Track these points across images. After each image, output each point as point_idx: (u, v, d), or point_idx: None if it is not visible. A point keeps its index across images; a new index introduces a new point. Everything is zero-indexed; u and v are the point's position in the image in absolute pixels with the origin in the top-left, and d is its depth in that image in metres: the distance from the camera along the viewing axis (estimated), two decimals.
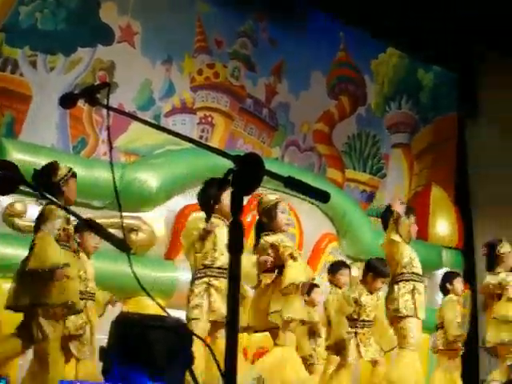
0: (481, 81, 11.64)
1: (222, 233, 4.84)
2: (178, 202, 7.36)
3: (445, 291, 7.26)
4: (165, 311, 2.34)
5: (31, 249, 4.96)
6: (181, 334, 3.15)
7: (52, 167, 5.13)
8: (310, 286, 7.16)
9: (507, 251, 6.73)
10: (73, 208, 4.63)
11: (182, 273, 6.83)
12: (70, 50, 7.50)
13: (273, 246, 5.25)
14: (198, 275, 4.94)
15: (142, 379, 2.98)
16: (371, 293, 6.23)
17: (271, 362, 5.22)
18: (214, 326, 4.92)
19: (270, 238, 5.30)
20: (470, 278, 9.38)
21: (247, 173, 1.66)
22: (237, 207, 1.65)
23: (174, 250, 7.18)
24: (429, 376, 7.33)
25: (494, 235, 11.37)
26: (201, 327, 4.83)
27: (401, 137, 10.91)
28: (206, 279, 4.84)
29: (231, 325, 1.61)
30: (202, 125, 8.59)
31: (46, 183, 4.89)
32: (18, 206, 6.37)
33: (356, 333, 6.08)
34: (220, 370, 1.78)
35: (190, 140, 1.98)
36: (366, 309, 6.17)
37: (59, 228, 5.03)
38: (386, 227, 6.00)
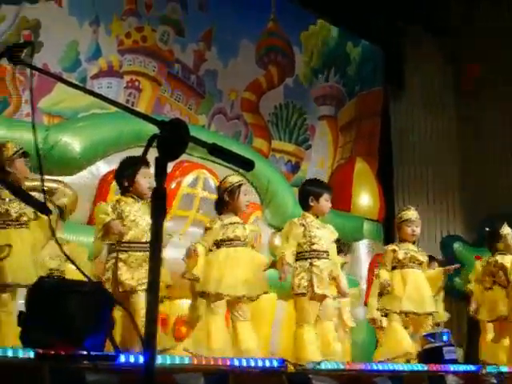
0: (405, 56, 11.85)
1: (129, 210, 4.83)
2: (102, 168, 7.26)
3: None
4: (85, 276, 2.33)
5: None
6: (100, 299, 3.13)
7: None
8: None
9: None
10: None
11: None
12: None
13: None
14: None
15: (60, 345, 2.95)
16: None
17: None
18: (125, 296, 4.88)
19: None
20: None
21: (172, 138, 1.65)
22: (160, 173, 1.65)
23: None
24: None
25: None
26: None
27: (327, 109, 11.00)
28: (114, 254, 4.83)
29: (152, 288, 1.61)
30: (128, 89, 8.47)
31: None
32: None
33: None
34: (140, 335, 1.78)
35: (116, 104, 1.95)
36: None
37: None
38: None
